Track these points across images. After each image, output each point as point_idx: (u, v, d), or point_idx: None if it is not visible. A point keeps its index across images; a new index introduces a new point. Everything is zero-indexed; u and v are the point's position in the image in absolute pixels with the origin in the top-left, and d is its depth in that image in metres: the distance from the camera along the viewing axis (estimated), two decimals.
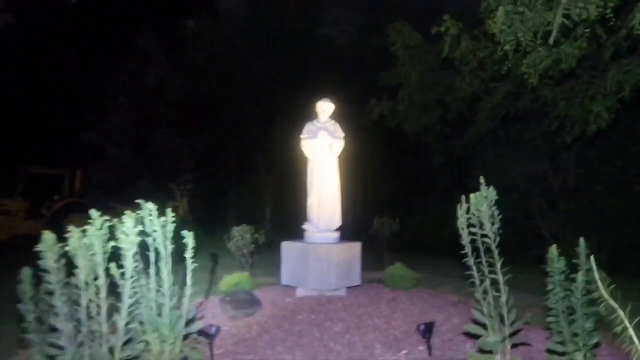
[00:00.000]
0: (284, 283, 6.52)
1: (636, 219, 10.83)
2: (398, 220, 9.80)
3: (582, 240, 3.54)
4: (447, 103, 11.28)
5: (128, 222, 3.47)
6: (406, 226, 10.14)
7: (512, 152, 12.55)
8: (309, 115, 6.92)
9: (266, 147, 18.73)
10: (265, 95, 17.53)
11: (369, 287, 7.23)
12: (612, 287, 3.01)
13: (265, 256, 9.85)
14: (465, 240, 4.25)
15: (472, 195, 4.27)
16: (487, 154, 13.02)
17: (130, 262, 3.40)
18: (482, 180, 4.11)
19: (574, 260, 3.53)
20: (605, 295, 2.98)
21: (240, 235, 8.96)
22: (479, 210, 4.18)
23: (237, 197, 20.46)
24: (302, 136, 6.64)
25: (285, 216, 16.54)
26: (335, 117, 6.82)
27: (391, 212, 10.47)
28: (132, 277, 3.32)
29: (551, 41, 5.04)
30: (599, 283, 3.02)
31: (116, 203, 16.83)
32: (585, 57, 6.33)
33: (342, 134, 6.69)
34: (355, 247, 6.51)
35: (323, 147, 6.50)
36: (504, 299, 3.99)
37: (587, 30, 5.52)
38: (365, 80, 13.02)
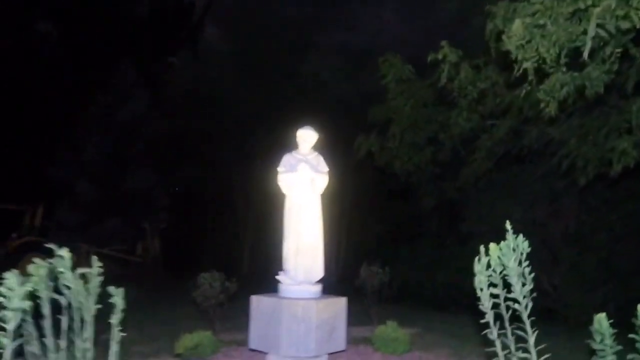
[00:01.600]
0: (251, 347, 5.35)
1: None
2: (388, 269, 8.73)
3: None
4: (441, 140, 10.45)
5: (11, 279, 2.41)
6: (394, 274, 9.07)
7: (510, 195, 11.67)
8: (288, 146, 5.94)
9: (245, 186, 17.68)
10: (245, 132, 16.66)
11: (355, 351, 6.11)
12: None
13: (240, 305, 8.65)
14: (486, 304, 3.21)
15: (492, 246, 3.26)
16: (482, 197, 12.11)
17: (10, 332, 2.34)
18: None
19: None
20: None
21: (209, 283, 7.82)
22: (505, 265, 3.16)
23: (213, 238, 19.21)
24: (278, 169, 5.65)
25: (264, 259, 15.34)
26: (318, 148, 5.85)
27: (378, 259, 9.44)
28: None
29: (585, 55, 4.22)
30: None
31: (82, 243, 15.56)
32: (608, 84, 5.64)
33: (325, 168, 5.71)
34: (340, 304, 5.41)
35: (303, 182, 5.49)
36: None
37: (619, 50, 4.72)
38: (352, 115, 12.21)
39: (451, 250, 13.69)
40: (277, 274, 5.47)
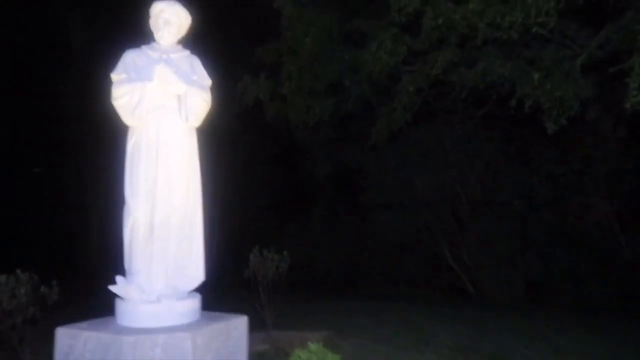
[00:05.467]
0: None
1: (567, 242, 8.86)
2: (287, 254, 6.39)
3: None
4: (346, 87, 8.27)
5: None
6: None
7: (417, 161, 9.99)
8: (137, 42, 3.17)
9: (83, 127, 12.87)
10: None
11: None
12: None
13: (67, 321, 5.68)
14: None
15: None
16: (385, 161, 10.27)
17: None
18: None
19: None
20: None
21: (9, 291, 4.83)
22: None
23: (48, 214, 14.76)
24: (112, 75, 2.91)
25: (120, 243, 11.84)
26: (191, 47, 3.20)
27: (265, 240, 7.09)
28: None
29: None
30: None
31: None
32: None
33: (206, 79, 3.11)
34: (238, 329, 2.91)
35: (164, 100, 2.85)
36: None
37: None
38: (233, 52, 9.39)
39: (347, 225, 11.83)
40: (112, 281, 2.78)
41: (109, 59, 3.16)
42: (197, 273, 2.94)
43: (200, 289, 3.22)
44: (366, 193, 10.98)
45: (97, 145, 10.98)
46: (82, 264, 12.53)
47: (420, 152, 10.05)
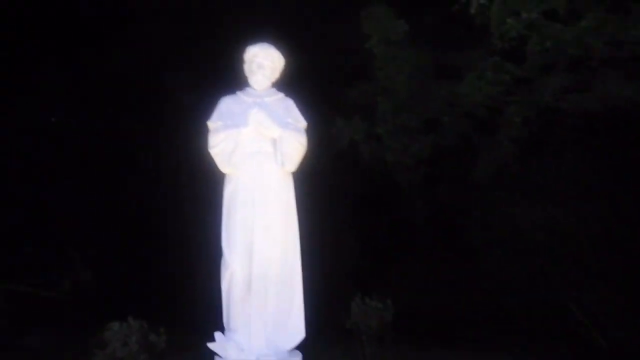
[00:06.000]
0: None
1: None
2: (389, 302, 6.07)
3: None
4: (444, 124, 7.93)
5: None
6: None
7: (526, 195, 9.20)
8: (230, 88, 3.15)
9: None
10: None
11: None
12: None
13: None
14: None
15: None
16: (491, 198, 9.58)
17: None
18: None
19: None
20: None
21: (121, 338, 5.04)
22: None
23: (160, 261, 15.67)
24: (209, 123, 2.88)
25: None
26: (286, 89, 3.12)
27: (363, 286, 6.85)
28: None
29: None
30: None
31: None
32: None
33: (302, 121, 2.98)
34: None
35: (259, 145, 2.75)
36: None
37: None
38: (324, 94, 9.45)
39: (450, 269, 11.14)
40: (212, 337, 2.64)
41: (206, 108, 3.16)
42: (298, 329, 2.72)
43: (300, 345, 3.00)
44: (469, 234, 10.30)
45: (196, 193, 11.54)
46: (187, 314, 12.98)
47: (529, 187, 9.27)
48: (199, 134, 3.02)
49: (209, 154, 2.86)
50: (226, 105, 2.90)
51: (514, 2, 4.93)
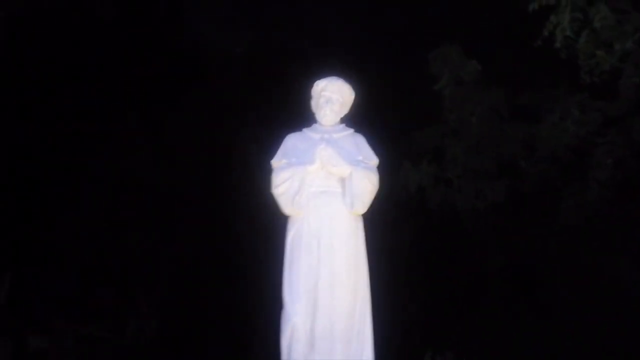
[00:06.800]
0: None
1: None
2: None
3: None
4: (521, 168, 7.44)
5: None
6: None
7: (619, 245, 8.35)
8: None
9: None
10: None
11: None
12: None
13: None
14: None
15: None
16: (577, 248, 8.78)
17: None
18: None
19: None
20: None
21: None
22: None
23: (221, 313, 15.74)
24: (273, 162, 2.69)
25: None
26: (354, 122, 2.90)
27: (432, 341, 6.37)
28: None
29: None
30: None
31: (59, 321, 12.76)
32: None
33: (373, 158, 2.72)
34: None
35: (327, 185, 2.52)
36: None
37: None
38: (390, 138, 9.22)
39: (527, 327, 10.23)
40: None
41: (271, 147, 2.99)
42: None
43: None
44: (550, 288, 9.45)
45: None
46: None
47: (622, 236, 8.41)
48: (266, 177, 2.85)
49: (272, 195, 2.66)
50: (291, 143, 2.72)
51: (605, 32, 4.50)
